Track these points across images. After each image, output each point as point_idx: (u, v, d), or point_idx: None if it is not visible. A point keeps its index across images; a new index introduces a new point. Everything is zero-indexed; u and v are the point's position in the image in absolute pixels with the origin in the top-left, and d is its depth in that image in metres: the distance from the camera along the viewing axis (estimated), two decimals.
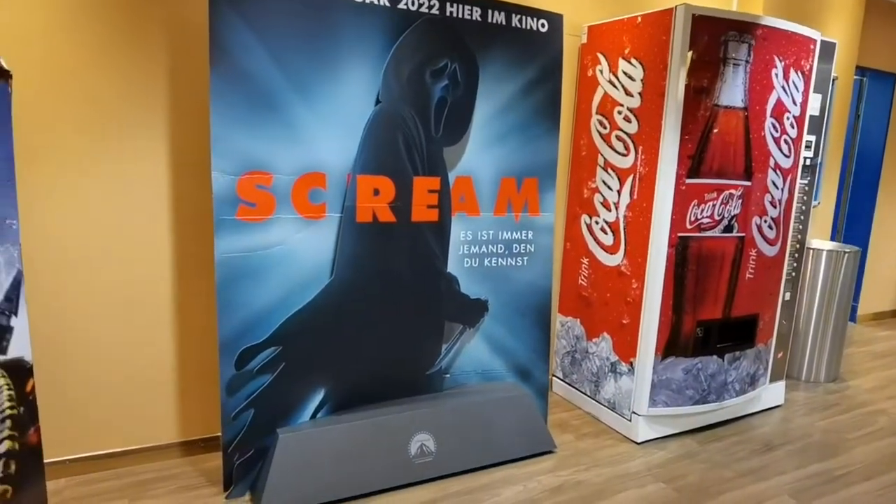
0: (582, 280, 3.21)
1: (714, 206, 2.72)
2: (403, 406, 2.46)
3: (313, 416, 2.35)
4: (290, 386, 2.28)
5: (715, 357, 2.89)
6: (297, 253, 2.25)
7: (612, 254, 3.00)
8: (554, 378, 3.45)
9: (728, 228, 2.77)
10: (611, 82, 2.93)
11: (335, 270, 2.29)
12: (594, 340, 3.13)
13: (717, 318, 2.84)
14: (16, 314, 1.73)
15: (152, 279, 2.37)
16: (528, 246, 2.72)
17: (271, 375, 2.23)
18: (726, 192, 2.72)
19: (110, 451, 2.38)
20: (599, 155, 3.02)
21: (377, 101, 2.27)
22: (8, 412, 1.75)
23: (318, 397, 2.36)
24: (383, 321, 2.43)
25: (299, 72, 2.15)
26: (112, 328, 2.32)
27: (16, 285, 1.72)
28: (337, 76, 2.21)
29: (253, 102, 2.09)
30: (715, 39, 2.57)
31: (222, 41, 2.02)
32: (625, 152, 2.87)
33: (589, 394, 3.18)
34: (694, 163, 2.63)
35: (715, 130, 2.64)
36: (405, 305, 2.47)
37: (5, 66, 1.67)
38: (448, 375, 2.67)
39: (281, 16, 2.10)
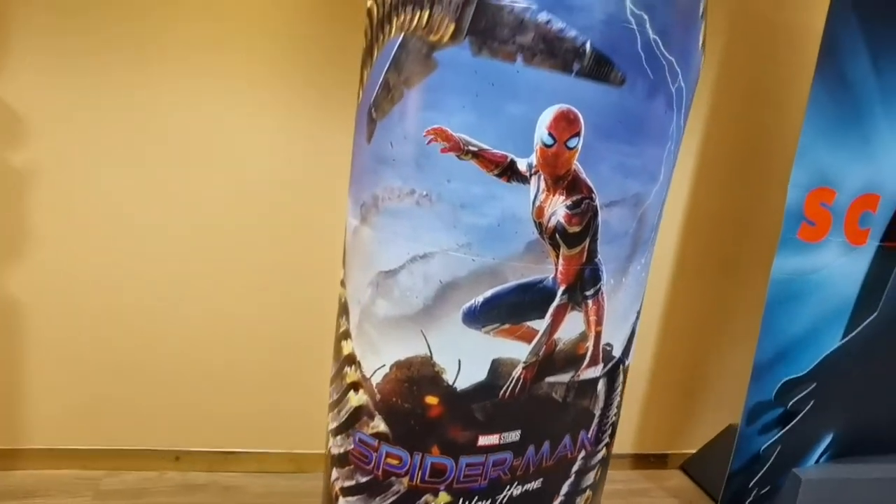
0: None
1: None
2: None
3: (817, 460, 2.14)
4: (810, 426, 2.08)
5: None
6: (833, 279, 2.02)
7: None
8: None
9: None
10: None
11: (882, 306, 2.04)
12: None
13: None
14: None
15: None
16: None
17: (800, 413, 2.04)
18: None
19: None
20: None
21: None
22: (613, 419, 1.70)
23: (827, 440, 2.14)
24: None
25: (891, 80, 1.91)
26: None
27: None
28: None
29: (841, 112, 1.89)
30: None
31: (833, 43, 1.83)
32: None
33: None
34: None
35: None
36: None
37: None
38: None
39: (893, 14, 1.87)
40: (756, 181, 2.21)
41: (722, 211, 2.24)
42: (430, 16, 1.20)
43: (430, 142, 1.22)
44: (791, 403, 2.02)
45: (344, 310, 1.44)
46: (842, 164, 1.94)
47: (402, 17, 1.24)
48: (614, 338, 1.54)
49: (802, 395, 2.02)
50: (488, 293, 1.26)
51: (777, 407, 2.03)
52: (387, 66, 1.27)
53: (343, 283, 1.46)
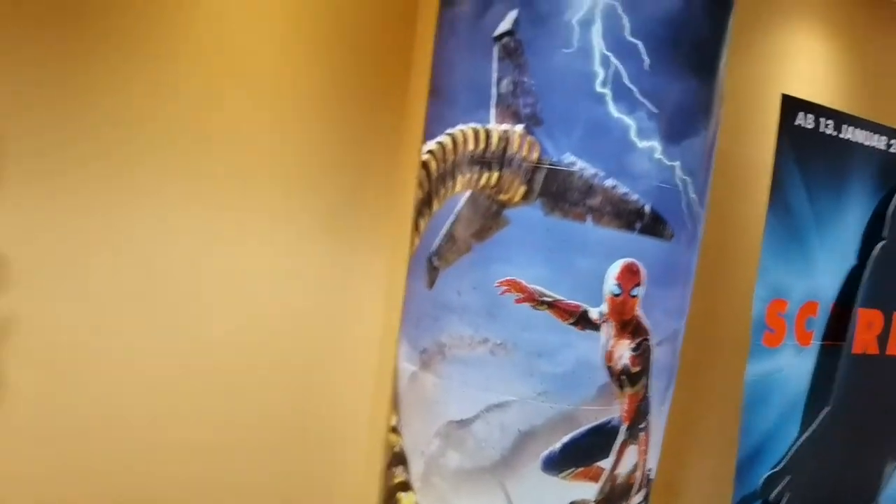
0: None
1: None
2: None
3: None
4: None
5: None
6: (790, 378, 2.27)
7: None
8: None
9: None
10: None
11: (833, 400, 2.30)
12: None
13: None
14: None
15: None
16: None
17: (780, 502, 2.21)
18: None
19: None
20: None
21: (880, 238, 2.34)
22: None
23: None
24: (851, 450, 2.41)
25: (821, 207, 2.25)
26: None
27: None
28: (842, 211, 2.31)
29: (789, 235, 2.19)
30: None
31: (779, 178, 2.14)
32: None
33: None
34: None
35: None
36: (871, 438, 2.45)
37: None
38: None
39: (821, 158, 2.22)
40: (715, 296, 2.46)
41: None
42: (499, 177, 1.28)
43: (503, 293, 1.27)
44: (773, 495, 2.19)
45: (399, 459, 1.40)
46: (791, 279, 2.22)
47: (469, 176, 1.31)
48: (651, 461, 1.62)
49: (781, 486, 2.20)
50: (565, 439, 1.29)
51: (760, 499, 2.19)
52: (451, 218, 1.32)
53: (396, 431, 1.42)
